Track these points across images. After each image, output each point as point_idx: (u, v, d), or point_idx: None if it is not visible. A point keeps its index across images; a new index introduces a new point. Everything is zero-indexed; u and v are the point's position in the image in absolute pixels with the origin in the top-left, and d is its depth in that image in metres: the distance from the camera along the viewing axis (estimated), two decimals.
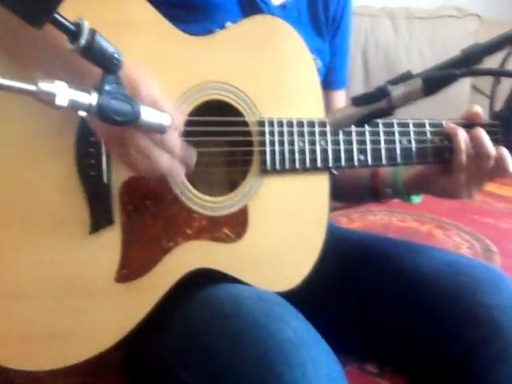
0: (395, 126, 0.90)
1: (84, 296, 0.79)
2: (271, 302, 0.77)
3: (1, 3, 0.52)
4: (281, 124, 0.86)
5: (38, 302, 0.77)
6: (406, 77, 0.65)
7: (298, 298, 0.82)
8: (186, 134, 0.82)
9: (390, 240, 1.03)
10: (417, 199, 0.97)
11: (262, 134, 0.86)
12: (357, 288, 0.94)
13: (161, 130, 0.67)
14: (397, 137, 0.90)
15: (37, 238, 0.78)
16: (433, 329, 0.85)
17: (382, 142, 0.90)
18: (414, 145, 0.90)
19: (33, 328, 0.77)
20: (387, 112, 0.66)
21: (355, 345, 0.94)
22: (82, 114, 0.60)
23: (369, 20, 1.82)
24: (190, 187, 0.83)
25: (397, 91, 0.64)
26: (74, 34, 0.57)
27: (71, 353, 0.79)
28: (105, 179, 0.79)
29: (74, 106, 0.59)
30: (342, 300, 0.95)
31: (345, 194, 1.08)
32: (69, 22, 0.56)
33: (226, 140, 0.88)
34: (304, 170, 0.87)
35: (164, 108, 0.68)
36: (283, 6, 0.97)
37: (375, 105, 0.65)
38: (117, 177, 0.80)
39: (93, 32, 0.58)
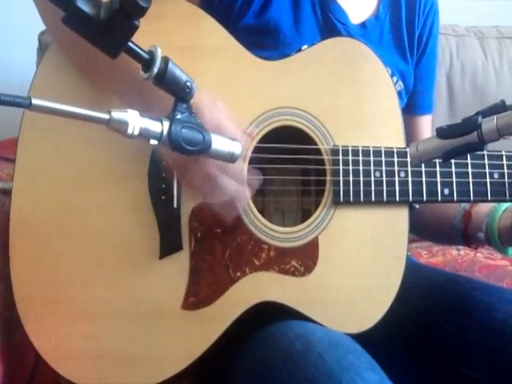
0: (486, 157, 0.82)
1: (152, 321, 0.78)
2: (344, 348, 0.71)
3: (80, 35, 0.53)
4: (356, 153, 0.82)
5: (112, 324, 0.78)
6: (499, 108, 0.59)
7: (371, 341, 0.76)
8: (256, 161, 0.80)
9: (480, 285, 0.92)
10: None
11: (336, 162, 0.82)
12: (440, 337, 0.86)
13: (232, 159, 0.66)
14: (487, 170, 0.82)
15: (111, 261, 0.78)
16: None
17: (470, 175, 0.82)
18: (507, 180, 0.82)
19: (107, 349, 0.78)
20: (477, 147, 0.59)
21: None
22: (154, 142, 0.60)
23: (454, 40, 1.70)
24: (259, 216, 0.81)
25: (489, 124, 0.58)
26: (147, 62, 0.57)
27: (138, 377, 0.78)
28: (175, 204, 0.79)
29: (146, 135, 0.59)
30: (423, 349, 0.87)
31: (431, 232, 1.00)
32: (142, 50, 0.56)
33: (300, 168, 0.85)
34: (381, 203, 0.82)
35: (228, 131, 0.68)
36: (363, 25, 0.92)
37: (464, 138, 0.59)
38: (187, 203, 0.80)
39: (166, 60, 0.58)
